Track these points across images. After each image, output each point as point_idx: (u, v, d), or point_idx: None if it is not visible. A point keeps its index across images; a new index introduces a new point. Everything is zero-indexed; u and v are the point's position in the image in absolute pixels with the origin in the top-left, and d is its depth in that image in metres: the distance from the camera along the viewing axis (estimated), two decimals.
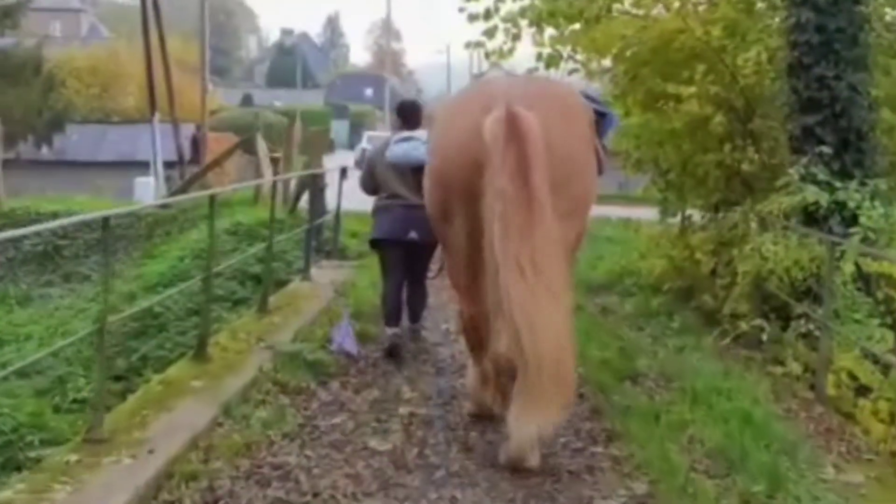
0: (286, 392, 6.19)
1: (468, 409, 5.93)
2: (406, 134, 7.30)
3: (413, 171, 6.93)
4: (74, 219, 5.25)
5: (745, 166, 8.79)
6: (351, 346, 7.30)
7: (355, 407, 6.06)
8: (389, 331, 7.34)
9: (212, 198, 6.89)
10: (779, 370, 6.90)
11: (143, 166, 24.75)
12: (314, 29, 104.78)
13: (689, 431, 5.47)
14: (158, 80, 23.09)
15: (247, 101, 59.37)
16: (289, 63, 77.44)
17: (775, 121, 8.64)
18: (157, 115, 22.97)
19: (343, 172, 12.06)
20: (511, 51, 9.33)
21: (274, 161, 17.47)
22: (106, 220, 4.97)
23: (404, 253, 7.32)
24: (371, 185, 7.54)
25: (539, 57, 9.15)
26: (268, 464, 4.95)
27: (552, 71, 9.34)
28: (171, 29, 32.18)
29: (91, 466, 4.43)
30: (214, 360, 6.54)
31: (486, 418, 5.75)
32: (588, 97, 6.02)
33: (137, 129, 27.90)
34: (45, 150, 28.52)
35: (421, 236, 6.92)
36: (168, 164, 23.53)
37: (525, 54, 9.68)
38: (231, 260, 9.85)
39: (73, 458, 4.53)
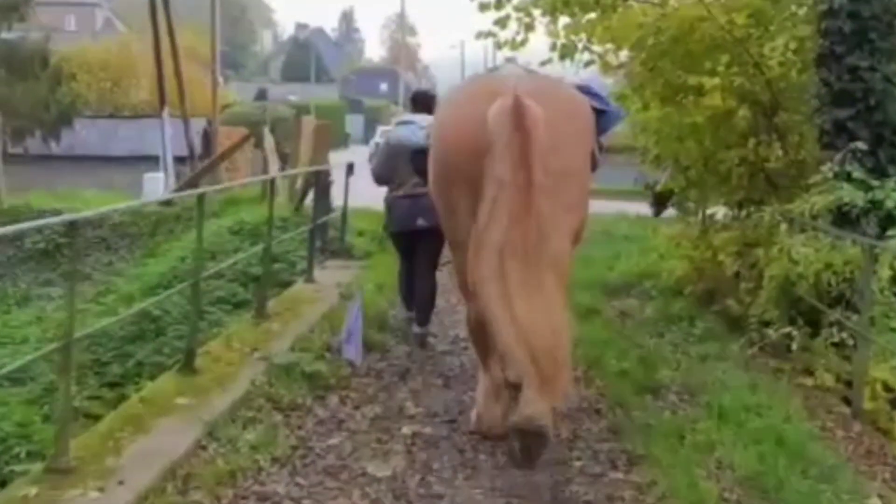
0: (280, 408, 5.73)
1: (472, 426, 5.48)
2: (406, 118, 7.53)
3: (412, 155, 6.87)
4: (35, 223, 4.77)
5: (770, 163, 8.26)
6: (354, 353, 6.90)
7: (354, 425, 5.61)
8: (409, 313, 7.69)
9: (200, 197, 6.44)
10: (809, 382, 6.43)
11: (154, 161, 24.42)
12: (329, 24, 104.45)
13: (717, 454, 5.00)
14: (169, 74, 22.78)
15: (261, 95, 58.95)
16: (303, 57, 77.02)
17: (802, 115, 8.15)
18: (168, 110, 22.63)
19: (349, 169, 11.58)
20: (524, 42, 8.83)
21: (284, 156, 17.06)
22: (72, 224, 4.49)
23: (416, 240, 7.30)
24: (384, 173, 7.44)
25: (553, 47, 8.64)
26: (253, 494, 4.50)
27: (566, 63, 8.85)
28: (185, 24, 31.97)
29: (51, 502, 3.99)
30: (203, 373, 6.08)
31: (493, 438, 5.31)
32: (589, 92, 5.92)
33: (148, 124, 27.53)
34: (54, 145, 28.11)
35: (428, 223, 6.72)
36: (179, 160, 23.22)
37: (539, 46, 9.20)
38: (229, 261, 9.39)
39: (32, 491, 4.07)
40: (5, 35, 28.38)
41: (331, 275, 10.07)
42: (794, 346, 6.75)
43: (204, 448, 4.96)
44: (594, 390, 6.33)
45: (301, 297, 8.92)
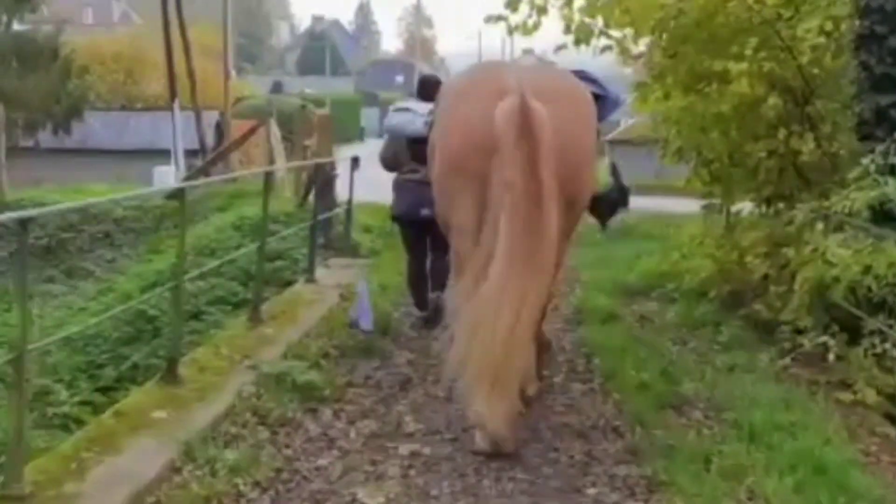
0: (267, 423, 5.23)
1: (476, 445, 4.96)
2: (403, 105, 7.56)
3: (409, 143, 7.05)
4: None
5: (802, 156, 7.66)
6: (366, 322, 6.99)
7: (347, 444, 5.11)
8: (422, 313, 7.62)
9: (181, 194, 5.94)
10: (848, 397, 5.86)
11: (166, 154, 24.07)
12: (346, 16, 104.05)
13: (748, 481, 4.44)
14: (181, 67, 22.44)
15: (277, 88, 58.54)
16: (320, 50, 76.57)
17: (838, 102, 7.58)
18: (179, 103, 22.26)
19: (355, 162, 11.06)
20: (536, 26, 8.24)
21: (303, 148, 16.53)
22: (23, 223, 3.99)
23: (421, 230, 7.19)
24: (388, 157, 7.52)
25: (567, 30, 8.07)
26: None
27: (582, 48, 8.29)
28: (201, 17, 31.59)
29: None
30: (186, 384, 5.59)
31: (501, 457, 4.82)
32: (586, 77, 5.97)
33: (161, 117, 27.15)
34: (66, 138, 27.77)
35: (433, 214, 6.38)
36: (192, 153, 22.85)
37: (555, 31, 8.63)
38: (221, 260, 8.92)
39: None
40: (17, 27, 28.11)
41: (333, 274, 9.57)
42: (831, 357, 6.19)
43: (178, 470, 4.48)
44: (611, 405, 5.80)
45: (300, 298, 8.43)
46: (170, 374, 5.64)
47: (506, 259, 4.55)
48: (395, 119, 7.35)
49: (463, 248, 5.12)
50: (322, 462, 4.82)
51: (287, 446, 5.00)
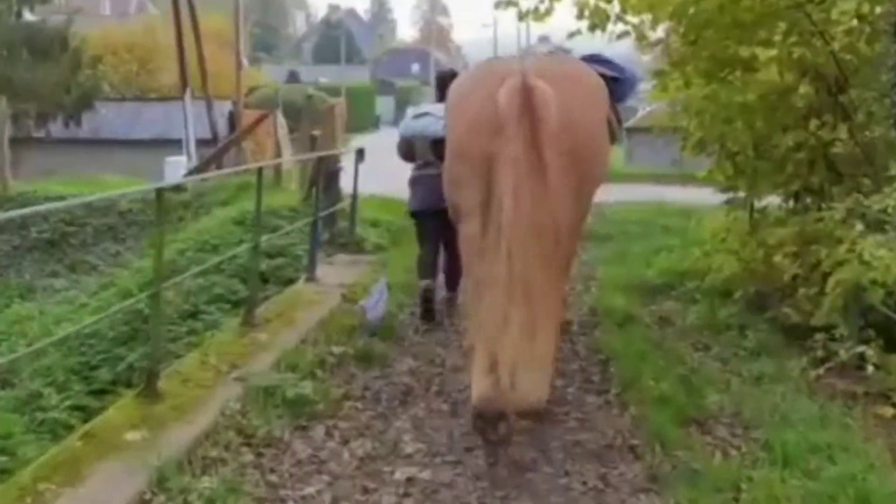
0: (251, 444, 4.80)
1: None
2: (422, 110, 7.57)
3: (432, 145, 7.13)
4: None
5: (835, 148, 7.13)
6: (374, 314, 6.91)
7: (338, 467, 4.67)
8: (423, 282, 7.43)
9: (159, 193, 5.51)
10: (889, 411, 5.38)
11: (179, 144, 23.74)
12: (362, 5, 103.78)
13: None
14: (192, 56, 22.12)
15: (292, 77, 58.14)
16: (336, 39, 76.18)
17: (873, 90, 7.04)
18: (192, 92, 21.92)
19: (360, 154, 10.59)
20: (549, 11, 7.75)
21: (312, 139, 16.14)
22: None
23: (438, 222, 6.99)
24: (405, 152, 7.63)
25: (581, 16, 7.56)
26: None
27: (597, 36, 7.79)
28: (217, 6, 31.24)
29: None
30: (166, 399, 5.18)
31: (506, 484, 4.40)
32: (600, 60, 5.96)
33: (174, 107, 26.82)
34: (78, 128, 27.49)
35: None
36: (204, 142, 22.52)
37: (567, 19, 8.13)
38: (220, 257, 8.51)
39: None
40: (28, 17, 27.85)
41: (336, 272, 9.12)
42: (869, 367, 5.69)
43: (148, 502, 4.05)
44: (628, 419, 5.34)
45: (299, 299, 7.99)
46: (149, 389, 5.22)
47: (511, 232, 4.37)
48: (413, 126, 7.44)
49: (472, 232, 4.91)
50: (310, 490, 4.38)
51: (272, 471, 4.56)
